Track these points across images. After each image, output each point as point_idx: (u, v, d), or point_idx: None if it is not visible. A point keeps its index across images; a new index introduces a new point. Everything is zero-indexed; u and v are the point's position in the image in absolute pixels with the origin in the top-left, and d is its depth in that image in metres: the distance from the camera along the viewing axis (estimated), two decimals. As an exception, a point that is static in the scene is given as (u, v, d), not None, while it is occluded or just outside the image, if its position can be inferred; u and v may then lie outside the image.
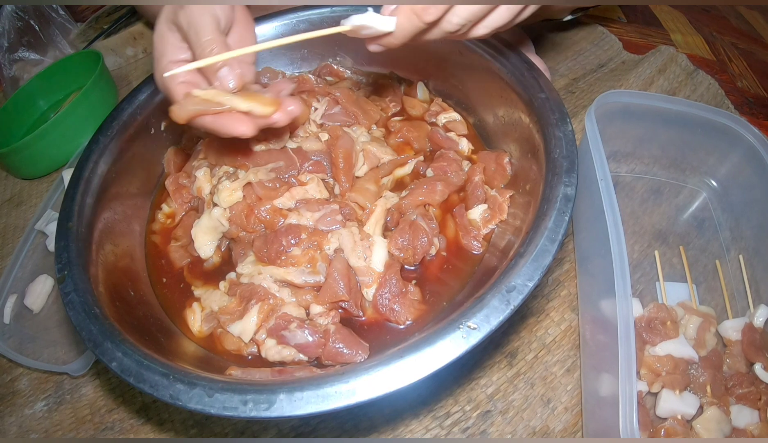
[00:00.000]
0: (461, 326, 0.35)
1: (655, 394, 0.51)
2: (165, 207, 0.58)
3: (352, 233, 0.46)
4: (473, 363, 0.51)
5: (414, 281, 0.47)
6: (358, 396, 0.33)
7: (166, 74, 0.41)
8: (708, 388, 0.51)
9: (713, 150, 0.62)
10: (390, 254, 0.47)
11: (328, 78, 0.62)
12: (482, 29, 0.39)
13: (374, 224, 0.48)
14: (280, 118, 0.41)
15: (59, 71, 0.85)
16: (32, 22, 0.87)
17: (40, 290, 0.65)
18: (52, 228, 0.69)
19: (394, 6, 0.37)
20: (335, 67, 0.62)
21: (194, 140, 0.61)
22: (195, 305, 0.49)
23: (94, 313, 0.43)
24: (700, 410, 0.49)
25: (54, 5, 0.88)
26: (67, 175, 0.73)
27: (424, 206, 0.50)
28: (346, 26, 0.38)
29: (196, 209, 0.55)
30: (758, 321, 0.53)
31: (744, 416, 0.48)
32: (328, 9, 0.60)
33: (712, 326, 0.55)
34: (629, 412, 0.40)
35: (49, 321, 0.65)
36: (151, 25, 0.89)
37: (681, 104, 0.59)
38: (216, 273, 0.51)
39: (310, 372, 0.41)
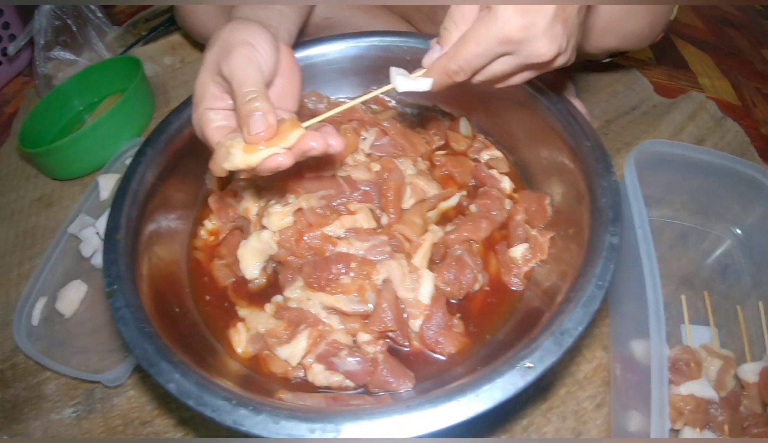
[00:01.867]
0: (518, 365, 0.38)
1: (677, 431, 0.54)
2: (208, 224, 0.60)
3: (401, 265, 0.49)
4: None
5: (458, 315, 0.50)
6: (425, 427, 0.36)
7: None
8: (726, 427, 0.55)
9: (739, 199, 0.66)
10: (436, 288, 0.50)
11: (373, 106, 0.65)
12: (514, 81, 0.43)
13: (422, 257, 0.51)
14: (317, 146, 0.42)
15: (97, 73, 0.87)
16: (69, 22, 0.89)
17: (73, 296, 0.67)
18: (86, 234, 0.71)
19: (427, 65, 0.42)
20: (380, 96, 0.65)
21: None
22: (240, 325, 0.52)
23: (147, 331, 0.45)
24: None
25: (92, 6, 0.90)
26: (102, 180, 0.75)
27: (469, 242, 0.53)
28: (389, 86, 0.44)
29: (240, 228, 0.58)
30: (775, 364, 0.57)
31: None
32: (399, 38, 0.64)
33: (731, 368, 0.59)
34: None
35: (80, 328, 0.67)
36: (188, 36, 0.92)
37: (710, 155, 0.63)
38: (261, 295, 0.54)
39: (363, 399, 0.44)
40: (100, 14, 0.92)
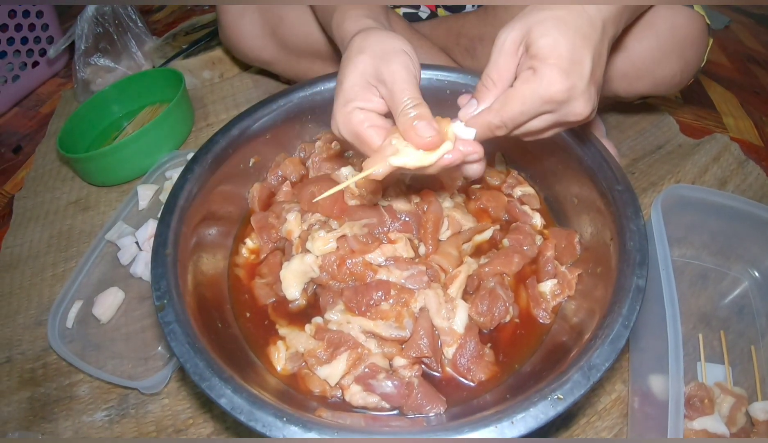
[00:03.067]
0: (550, 396, 0.42)
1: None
2: (249, 242, 0.64)
3: (437, 295, 0.53)
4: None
5: (489, 344, 0.54)
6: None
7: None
8: (735, 463, 0.58)
9: (757, 242, 0.70)
10: (470, 318, 0.54)
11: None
12: (546, 135, 0.48)
13: (457, 288, 0.55)
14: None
15: (137, 83, 0.92)
16: (111, 30, 0.93)
17: (111, 302, 0.71)
18: (124, 242, 0.75)
19: (469, 117, 0.46)
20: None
21: (279, 180, 0.67)
22: (280, 343, 0.56)
23: (198, 346, 0.48)
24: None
25: (133, 15, 0.95)
26: (141, 190, 0.79)
27: (501, 275, 0.57)
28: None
29: (282, 249, 0.62)
30: (785, 404, 0.61)
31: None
32: (441, 73, 0.67)
33: (743, 406, 0.63)
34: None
35: (115, 333, 0.70)
36: (229, 52, 0.95)
37: (731, 199, 0.68)
38: (301, 315, 0.58)
39: (401, 421, 0.48)
40: (141, 24, 0.96)
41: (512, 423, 0.41)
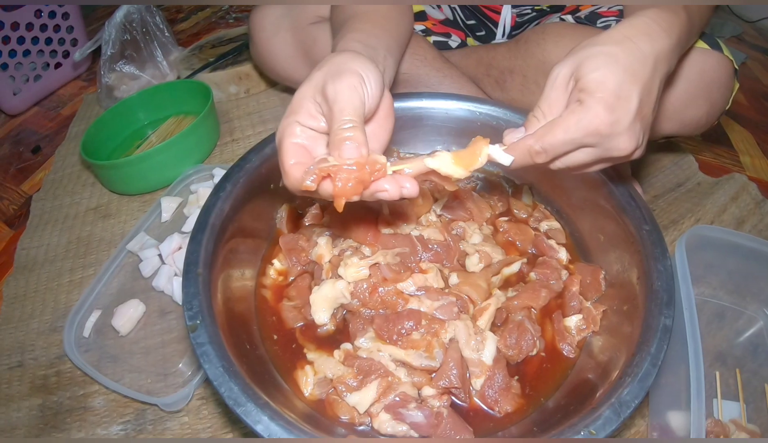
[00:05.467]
0: (584, 431, 0.44)
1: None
2: (277, 263, 0.65)
3: (467, 326, 0.55)
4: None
5: (516, 377, 0.55)
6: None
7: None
8: (748, 496, 0.60)
9: (774, 283, 0.72)
10: (498, 350, 0.55)
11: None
12: (590, 170, 0.49)
13: (486, 320, 0.56)
14: (390, 189, 0.43)
15: (163, 92, 0.93)
16: (138, 38, 0.94)
17: (131, 314, 0.71)
18: (147, 253, 0.76)
19: (512, 141, 0.47)
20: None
21: (308, 201, 0.69)
22: (308, 368, 0.56)
23: (233, 370, 0.48)
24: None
25: (161, 25, 0.96)
26: (165, 202, 0.80)
27: (529, 309, 0.58)
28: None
29: (311, 273, 0.63)
30: (796, 443, 0.63)
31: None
32: (473, 104, 0.69)
33: (757, 443, 0.64)
34: None
35: (134, 346, 0.70)
36: (257, 68, 0.95)
37: (749, 240, 0.70)
38: (329, 340, 0.58)
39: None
40: (167, 33, 0.97)
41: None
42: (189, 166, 0.83)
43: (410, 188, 0.44)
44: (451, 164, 0.46)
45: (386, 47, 0.58)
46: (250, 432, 0.43)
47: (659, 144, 0.90)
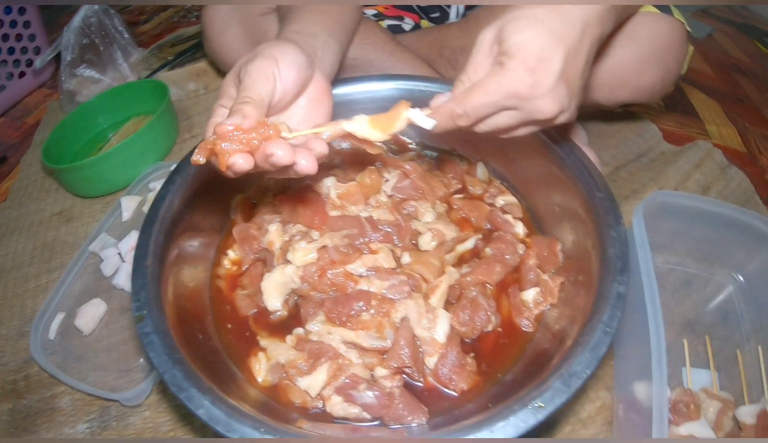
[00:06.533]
0: (530, 404, 0.42)
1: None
2: (231, 253, 0.64)
3: (418, 305, 0.53)
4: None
5: (472, 354, 0.54)
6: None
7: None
8: (723, 466, 0.58)
9: (741, 247, 0.71)
10: (451, 327, 0.54)
11: (392, 146, 0.69)
12: (517, 133, 0.48)
13: (439, 298, 0.55)
14: (282, 155, 0.41)
15: (122, 94, 0.92)
16: (97, 41, 0.94)
17: (93, 314, 0.71)
18: (107, 253, 0.75)
19: (435, 105, 0.47)
20: (401, 137, 0.69)
21: (262, 190, 0.68)
22: (261, 354, 0.55)
23: (177, 357, 0.47)
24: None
25: (120, 27, 0.95)
26: (125, 201, 0.79)
27: (483, 285, 0.57)
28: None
29: (263, 260, 0.62)
30: (772, 408, 0.61)
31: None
32: (421, 83, 0.68)
33: (730, 410, 0.62)
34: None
35: (97, 345, 0.70)
36: (214, 64, 0.96)
37: (714, 205, 0.68)
38: (282, 326, 0.57)
39: (382, 432, 0.47)
40: (126, 35, 0.97)
41: (492, 431, 0.41)
42: (148, 164, 0.82)
43: (306, 166, 0.42)
44: (368, 127, 0.45)
45: (328, 32, 0.58)
46: (206, 428, 0.42)
47: (618, 114, 0.88)
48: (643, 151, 0.82)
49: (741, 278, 0.73)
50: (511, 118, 0.45)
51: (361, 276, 0.55)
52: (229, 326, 0.59)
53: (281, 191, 0.65)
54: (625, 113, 0.89)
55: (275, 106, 0.48)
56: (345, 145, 0.67)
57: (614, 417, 0.61)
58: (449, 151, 0.70)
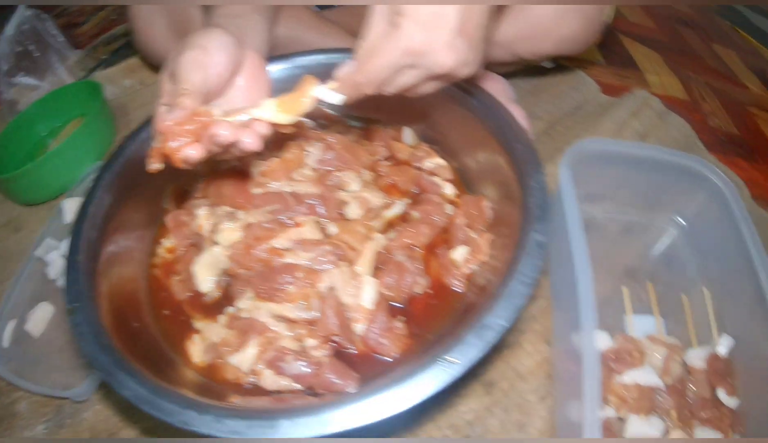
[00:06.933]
0: (441, 360, 0.42)
1: (622, 419, 0.58)
2: (165, 242, 0.64)
3: (343, 273, 0.53)
4: (453, 391, 0.58)
5: (403, 318, 0.54)
6: (348, 423, 0.39)
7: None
8: (673, 412, 0.58)
9: (681, 191, 0.70)
10: (380, 293, 0.54)
11: (321, 121, 0.69)
12: (423, 90, 0.48)
13: (365, 264, 0.55)
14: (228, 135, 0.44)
15: (58, 98, 0.91)
16: (31, 48, 0.93)
17: (41, 316, 0.71)
18: (51, 257, 0.75)
19: (340, 76, 0.47)
20: (325, 109, 0.69)
21: (193, 177, 0.67)
22: (196, 336, 0.56)
23: (105, 344, 0.48)
24: (666, 433, 0.56)
25: (53, 30, 0.94)
26: (66, 204, 0.79)
27: (410, 248, 0.57)
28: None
29: (196, 245, 0.62)
30: (721, 350, 0.61)
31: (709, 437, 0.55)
32: (323, 55, 0.67)
33: (677, 355, 0.62)
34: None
35: (49, 347, 0.70)
36: (145, 59, 0.96)
37: (649, 150, 0.67)
38: (215, 307, 0.57)
39: (307, 400, 0.48)
40: (61, 38, 0.96)
41: (404, 389, 0.41)
42: (88, 165, 0.82)
43: (251, 143, 0.45)
44: (275, 111, 0.45)
45: (252, 9, 0.58)
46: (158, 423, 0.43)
47: (553, 69, 0.88)
48: (580, 104, 0.82)
49: (683, 222, 0.72)
50: (413, 76, 0.45)
51: (287, 250, 0.55)
52: (166, 312, 0.59)
53: (207, 174, 0.64)
54: (561, 68, 0.88)
55: (213, 91, 0.50)
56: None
57: (554, 370, 0.61)
58: (375, 119, 0.69)
